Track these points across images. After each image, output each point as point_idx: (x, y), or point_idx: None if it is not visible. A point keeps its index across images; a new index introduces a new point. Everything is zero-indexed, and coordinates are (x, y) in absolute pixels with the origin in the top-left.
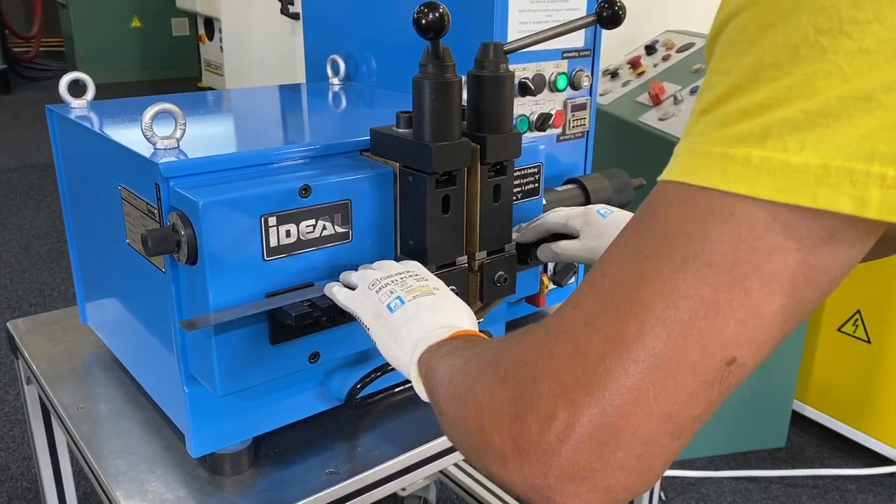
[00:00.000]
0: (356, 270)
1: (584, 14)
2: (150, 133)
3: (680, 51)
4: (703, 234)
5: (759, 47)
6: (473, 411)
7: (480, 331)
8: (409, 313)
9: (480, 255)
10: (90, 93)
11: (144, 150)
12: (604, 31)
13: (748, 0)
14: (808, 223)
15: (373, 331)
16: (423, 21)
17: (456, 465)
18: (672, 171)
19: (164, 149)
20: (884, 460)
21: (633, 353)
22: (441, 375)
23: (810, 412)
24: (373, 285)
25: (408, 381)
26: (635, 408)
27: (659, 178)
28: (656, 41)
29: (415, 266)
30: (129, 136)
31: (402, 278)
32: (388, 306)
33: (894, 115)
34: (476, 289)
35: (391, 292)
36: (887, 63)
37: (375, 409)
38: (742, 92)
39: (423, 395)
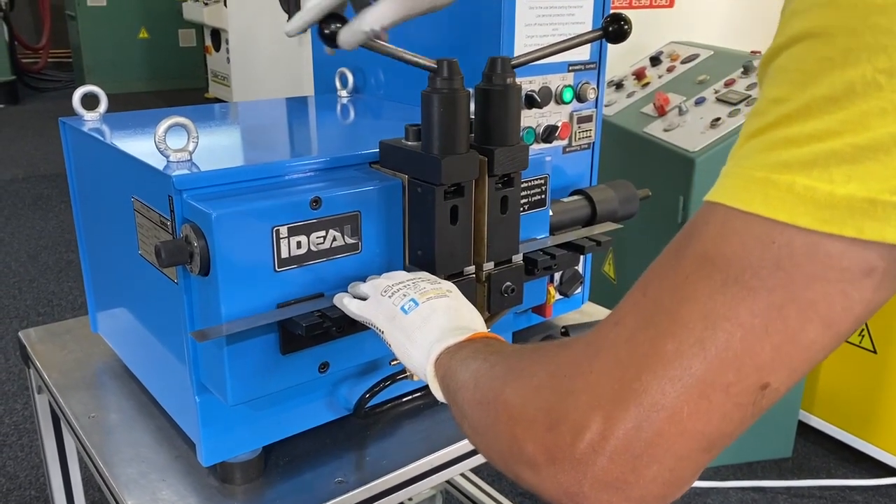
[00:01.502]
0: (364, 282)
1: (590, 28)
2: (163, 146)
3: (684, 62)
4: (743, 259)
5: (815, 80)
6: (504, 418)
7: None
8: (423, 314)
9: (488, 266)
10: (103, 105)
11: (158, 162)
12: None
13: (806, 31)
14: (849, 255)
15: (387, 333)
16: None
17: (462, 475)
18: (715, 193)
19: (177, 161)
20: (890, 471)
21: (670, 371)
22: (465, 379)
23: (816, 422)
24: (385, 291)
25: (416, 391)
26: (670, 425)
27: (705, 197)
28: (661, 52)
29: (424, 273)
30: (142, 148)
31: (413, 283)
32: (403, 308)
33: None
34: (483, 299)
35: (404, 295)
36: None
37: (384, 418)
38: (792, 121)
39: (440, 396)
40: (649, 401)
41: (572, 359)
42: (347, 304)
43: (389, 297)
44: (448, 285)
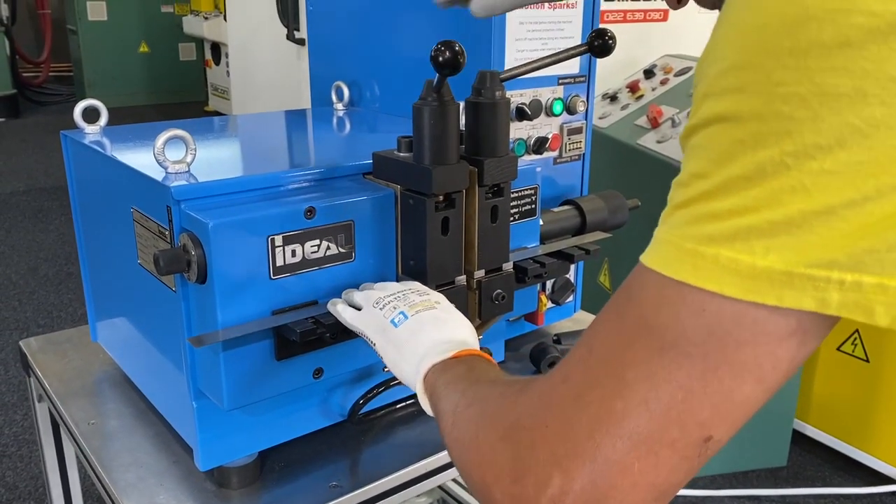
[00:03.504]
0: (357, 289)
1: (579, 42)
2: (162, 158)
3: (678, 75)
4: (678, 326)
5: (730, 159)
6: (476, 464)
7: (481, 348)
8: (412, 328)
9: (479, 274)
10: (103, 119)
11: (156, 174)
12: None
13: (719, 115)
14: (773, 321)
15: (379, 346)
16: (441, 59)
17: (455, 481)
18: (649, 258)
19: (176, 173)
20: (884, 479)
21: (619, 430)
22: (445, 411)
23: (811, 431)
24: (377, 303)
25: (409, 398)
26: (622, 479)
27: (640, 258)
28: (654, 65)
29: (415, 284)
30: (141, 160)
31: (403, 294)
32: (392, 321)
33: (850, 227)
34: (475, 307)
35: (394, 308)
36: (847, 184)
37: (378, 424)
38: (713, 197)
39: (429, 411)
40: (602, 457)
41: (530, 410)
42: (341, 311)
43: (380, 308)
44: (437, 297)
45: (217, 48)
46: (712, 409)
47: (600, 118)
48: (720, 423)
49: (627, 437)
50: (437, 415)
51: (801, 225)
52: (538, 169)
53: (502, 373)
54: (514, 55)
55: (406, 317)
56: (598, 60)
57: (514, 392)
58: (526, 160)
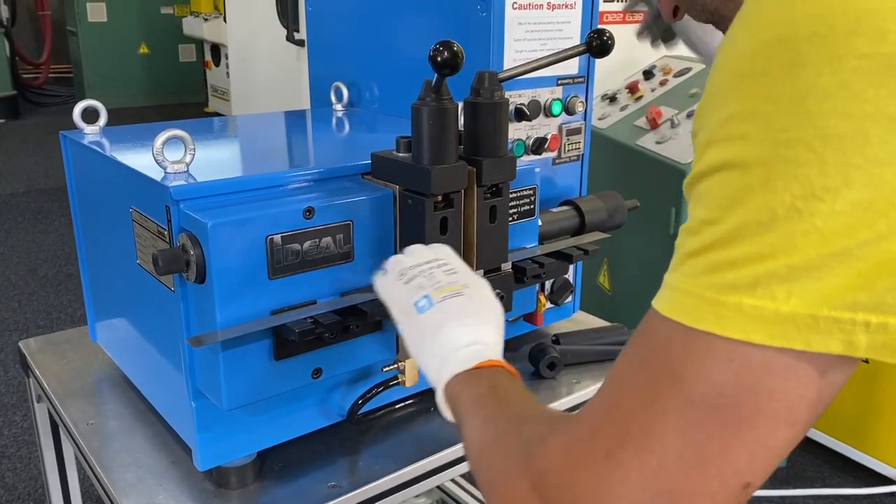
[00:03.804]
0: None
1: (578, 43)
2: (161, 158)
3: (677, 76)
4: (707, 378)
5: (741, 204)
6: (494, 498)
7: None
8: (436, 319)
9: (477, 274)
10: (102, 119)
11: (155, 174)
12: (599, 59)
13: (724, 162)
14: (803, 364)
15: (403, 328)
16: (439, 59)
17: (453, 481)
18: (669, 307)
19: (175, 173)
20: (884, 479)
21: (656, 487)
22: (469, 432)
23: (811, 432)
24: (402, 275)
25: (408, 398)
26: None
27: (654, 304)
28: (654, 66)
29: (444, 252)
30: (140, 160)
31: (430, 270)
32: (417, 305)
33: (868, 266)
34: None
35: (420, 287)
36: (859, 224)
37: (376, 425)
38: (728, 244)
39: (449, 418)
40: None
41: (559, 466)
42: (375, 280)
43: (405, 283)
44: (465, 277)
45: (217, 49)
46: (749, 456)
47: (599, 119)
48: (757, 470)
49: (667, 495)
50: (461, 435)
51: (820, 267)
52: (537, 169)
53: (526, 393)
54: (513, 56)
55: (431, 303)
56: (597, 61)
57: (539, 438)
58: (525, 161)
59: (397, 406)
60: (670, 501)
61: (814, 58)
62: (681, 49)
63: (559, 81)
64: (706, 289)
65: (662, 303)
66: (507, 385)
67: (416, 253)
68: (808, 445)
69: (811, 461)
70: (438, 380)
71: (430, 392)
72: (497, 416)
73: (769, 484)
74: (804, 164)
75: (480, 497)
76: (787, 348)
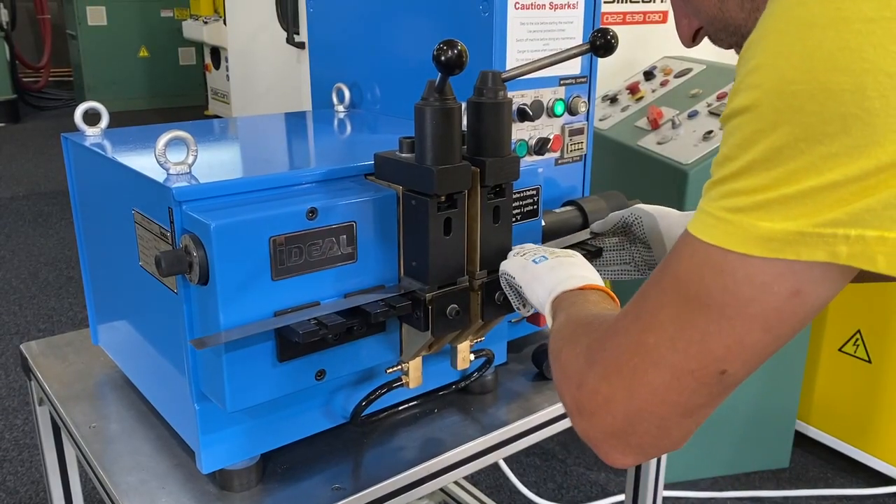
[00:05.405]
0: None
1: (580, 42)
2: (163, 159)
3: (678, 76)
4: (700, 281)
5: (753, 145)
6: (559, 372)
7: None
8: (551, 265)
9: (481, 275)
10: (104, 121)
11: (158, 175)
12: (602, 58)
13: (743, 107)
14: (780, 281)
15: (518, 278)
16: (443, 58)
17: (461, 486)
18: (692, 225)
19: (177, 174)
20: (887, 479)
21: (650, 357)
22: (554, 328)
23: (813, 432)
24: (518, 252)
25: (412, 400)
26: (653, 396)
27: (687, 226)
28: (654, 67)
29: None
30: (142, 162)
31: (544, 248)
32: (534, 260)
33: (852, 196)
34: (477, 307)
35: (535, 252)
36: (851, 164)
37: (380, 426)
38: (740, 177)
39: (550, 325)
40: (638, 379)
41: (600, 337)
42: (501, 265)
43: (522, 255)
44: (572, 252)
45: (217, 52)
46: (726, 348)
47: (601, 120)
48: (733, 361)
49: (657, 365)
50: (552, 330)
51: (813, 197)
52: (540, 170)
53: (612, 304)
54: (515, 56)
55: (546, 258)
56: (598, 62)
57: (598, 321)
58: (528, 161)
59: (401, 408)
60: (659, 370)
61: (823, 20)
62: (681, 50)
63: (562, 81)
64: (720, 210)
65: (691, 221)
66: (599, 299)
67: (530, 247)
68: (810, 446)
69: (814, 462)
70: (549, 296)
71: (433, 394)
72: (579, 311)
73: (772, 484)
74: (808, 114)
75: (483, 499)
76: (780, 258)
